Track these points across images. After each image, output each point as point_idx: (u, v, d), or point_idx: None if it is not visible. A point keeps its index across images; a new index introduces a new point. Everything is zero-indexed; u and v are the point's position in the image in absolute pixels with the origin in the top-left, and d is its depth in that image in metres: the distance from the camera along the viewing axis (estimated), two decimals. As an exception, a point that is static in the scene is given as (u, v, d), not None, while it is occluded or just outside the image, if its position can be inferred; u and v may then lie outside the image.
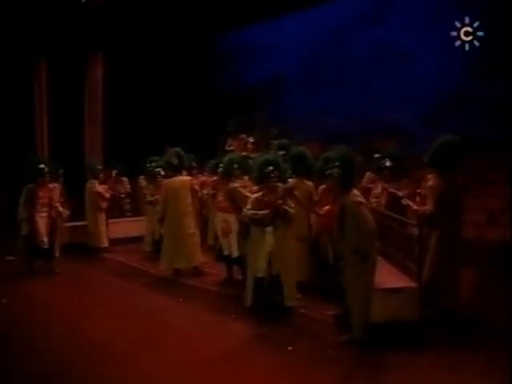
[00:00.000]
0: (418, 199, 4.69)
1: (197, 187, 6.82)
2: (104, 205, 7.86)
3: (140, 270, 6.71)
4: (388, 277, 4.30)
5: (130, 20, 8.96)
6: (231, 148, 7.88)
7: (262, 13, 8.87)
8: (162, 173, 6.99)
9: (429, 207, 4.47)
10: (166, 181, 6.36)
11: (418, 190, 4.84)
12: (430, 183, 4.54)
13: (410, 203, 4.64)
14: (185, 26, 9.40)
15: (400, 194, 5.10)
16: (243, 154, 6.69)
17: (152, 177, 7.51)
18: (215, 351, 4.00)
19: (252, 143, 7.30)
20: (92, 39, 9.51)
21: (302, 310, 4.77)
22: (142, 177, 8.51)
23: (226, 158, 5.84)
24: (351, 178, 4.11)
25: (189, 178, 6.47)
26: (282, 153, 5.62)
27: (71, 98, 9.80)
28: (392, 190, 5.30)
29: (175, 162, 6.21)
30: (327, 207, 4.58)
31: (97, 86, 10.24)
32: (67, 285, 6.09)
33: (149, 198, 7.49)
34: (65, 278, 6.39)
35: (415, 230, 4.21)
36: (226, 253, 5.75)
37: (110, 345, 4.21)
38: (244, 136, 7.65)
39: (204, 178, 7.76)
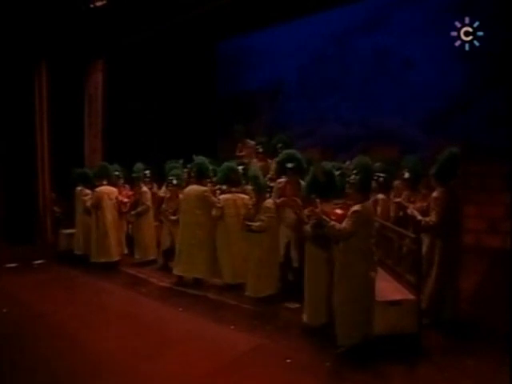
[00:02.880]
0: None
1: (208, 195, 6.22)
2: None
3: (140, 279, 6.67)
4: (387, 289, 4.29)
5: (131, 25, 8.95)
6: (242, 154, 7.81)
7: (263, 19, 8.86)
8: (175, 182, 6.89)
9: (433, 218, 4.45)
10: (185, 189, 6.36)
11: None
12: (435, 194, 4.53)
13: (415, 213, 4.62)
14: (186, 32, 9.39)
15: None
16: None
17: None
18: (214, 363, 3.99)
19: (261, 152, 7.19)
20: (92, 45, 9.52)
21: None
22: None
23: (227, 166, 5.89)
24: (367, 188, 4.05)
25: (201, 187, 6.11)
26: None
27: (71, 104, 9.81)
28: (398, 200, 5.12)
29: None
30: (339, 211, 4.38)
31: (97, 92, 10.25)
32: (66, 294, 6.08)
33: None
34: (64, 286, 6.38)
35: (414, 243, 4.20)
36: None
37: (110, 356, 4.21)
38: (253, 143, 7.55)
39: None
